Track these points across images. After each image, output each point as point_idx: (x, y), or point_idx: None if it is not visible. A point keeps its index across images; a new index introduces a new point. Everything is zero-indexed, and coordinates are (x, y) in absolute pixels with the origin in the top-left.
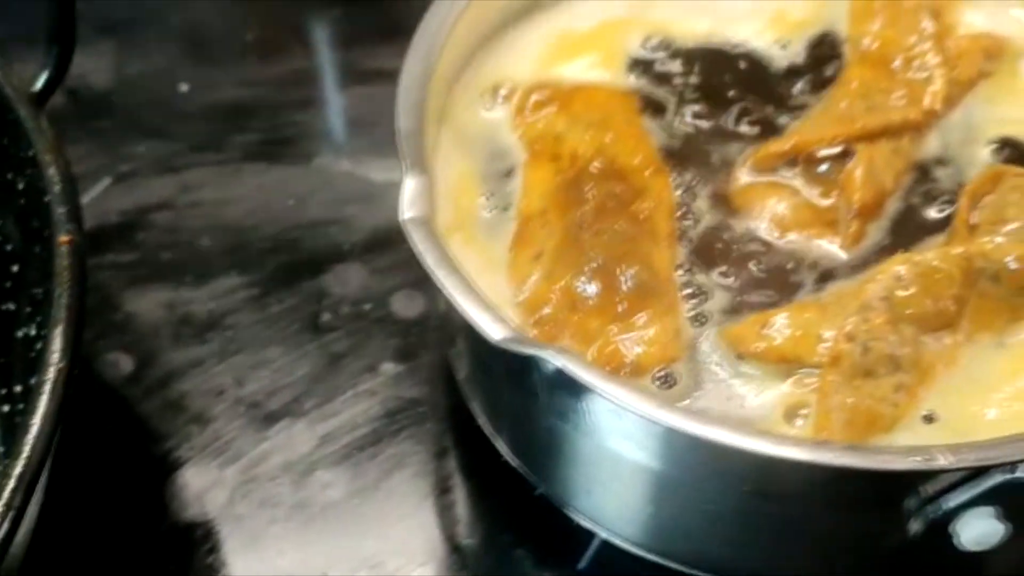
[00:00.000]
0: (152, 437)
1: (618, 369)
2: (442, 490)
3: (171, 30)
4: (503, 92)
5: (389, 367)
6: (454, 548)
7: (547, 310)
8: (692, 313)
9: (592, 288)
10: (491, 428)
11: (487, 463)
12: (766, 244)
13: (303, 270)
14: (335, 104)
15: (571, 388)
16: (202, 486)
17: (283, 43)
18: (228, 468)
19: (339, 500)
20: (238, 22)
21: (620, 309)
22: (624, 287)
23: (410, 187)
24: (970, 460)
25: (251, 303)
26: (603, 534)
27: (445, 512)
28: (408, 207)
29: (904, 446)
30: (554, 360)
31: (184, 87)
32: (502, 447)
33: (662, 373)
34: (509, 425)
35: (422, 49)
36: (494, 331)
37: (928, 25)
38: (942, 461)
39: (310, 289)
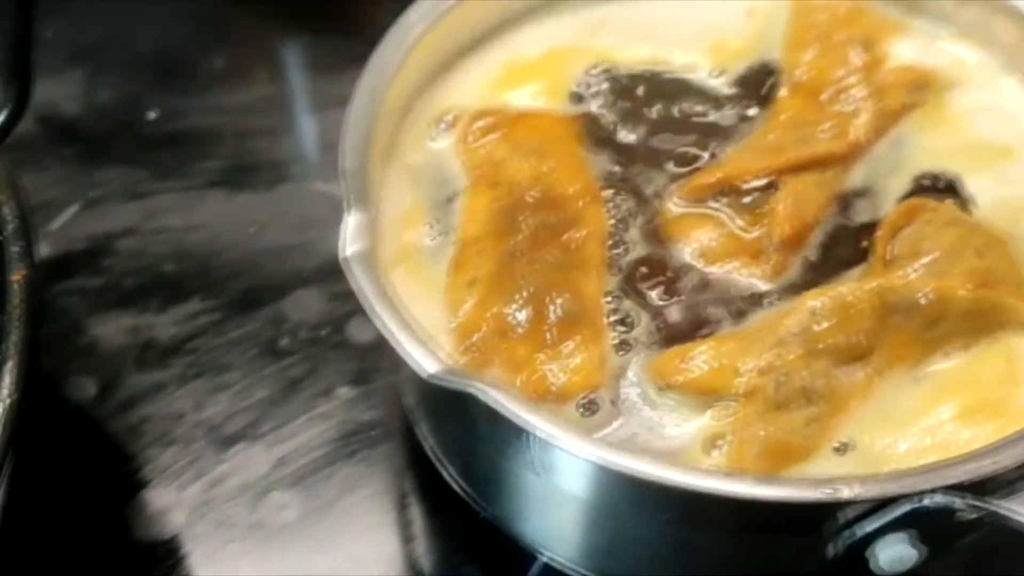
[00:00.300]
0: (115, 458)
1: (543, 396)
2: (395, 511)
3: (141, 57)
4: (448, 119)
5: (344, 391)
6: (407, 567)
7: (478, 337)
8: (618, 341)
9: (521, 316)
10: (438, 452)
11: (438, 484)
12: (694, 274)
13: (263, 295)
14: (300, 131)
15: (504, 421)
16: (162, 506)
17: (251, 70)
18: (187, 489)
19: (294, 521)
20: (208, 48)
21: (548, 337)
22: (552, 316)
23: (351, 224)
24: (874, 492)
25: (212, 328)
26: (545, 556)
27: (398, 532)
28: (348, 243)
29: (813, 478)
30: (483, 395)
31: (152, 114)
32: (447, 471)
33: (585, 400)
34: (453, 451)
35: (369, 86)
36: (426, 365)
37: (856, 57)
38: (846, 493)
39: (269, 314)
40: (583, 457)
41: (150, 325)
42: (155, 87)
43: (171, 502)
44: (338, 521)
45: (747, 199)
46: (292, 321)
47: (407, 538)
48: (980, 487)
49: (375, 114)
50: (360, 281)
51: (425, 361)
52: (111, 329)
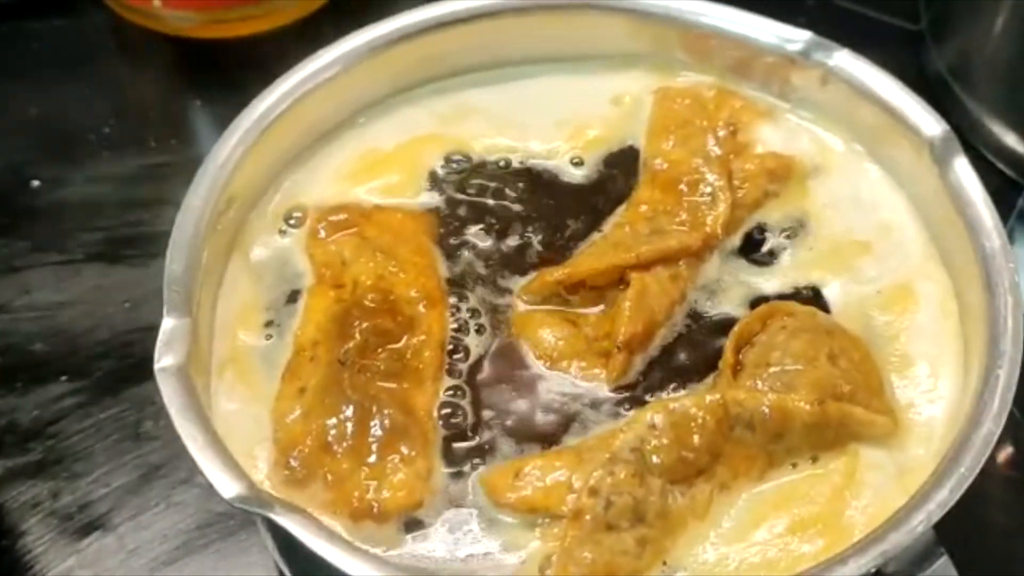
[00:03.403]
0: None
1: (365, 515)
2: None
3: (29, 122)
4: (298, 215)
5: (204, 479)
6: None
7: (300, 451)
8: (451, 454)
9: (346, 429)
10: (277, 555)
11: None
12: (536, 379)
13: (131, 376)
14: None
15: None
16: None
17: (140, 136)
18: None
19: None
20: (97, 114)
21: (372, 451)
22: (377, 429)
23: (165, 333)
24: None
25: (76, 411)
26: None
27: None
28: (161, 355)
29: None
30: (281, 521)
31: (36, 183)
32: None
33: (410, 519)
34: (286, 555)
35: (207, 179)
36: (226, 489)
37: (715, 145)
38: None
39: (135, 396)
40: None
41: (12, 407)
42: (41, 154)
43: None
44: None
45: (595, 296)
46: (158, 403)
47: None
48: None
49: (214, 208)
50: (168, 397)
51: (225, 485)
52: None
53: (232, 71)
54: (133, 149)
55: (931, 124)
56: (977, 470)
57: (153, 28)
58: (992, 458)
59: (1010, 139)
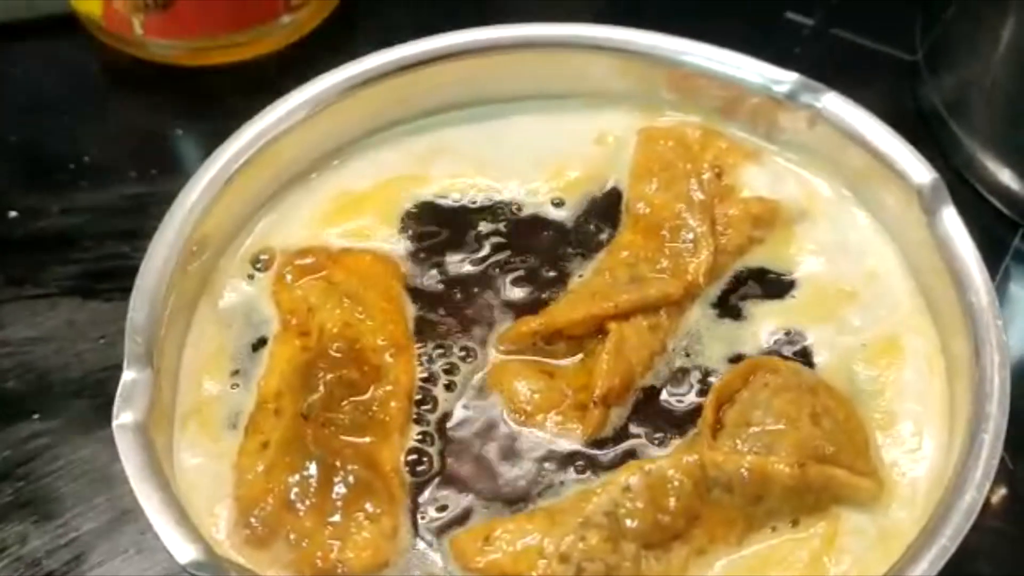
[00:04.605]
0: None
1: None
2: None
3: (6, 150)
4: (265, 258)
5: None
6: None
7: (263, 508)
8: (417, 512)
9: (308, 487)
10: None
11: None
12: (509, 432)
13: (103, 415)
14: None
15: None
16: None
17: (120, 167)
18: None
19: None
20: (76, 143)
21: (336, 509)
22: (341, 486)
23: (124, 387)
24: None
25: (46, 451)
26: None
27: None
28: (120, 410)
29: None
30: None
31: (13, 213)
32: None
33: None
34: None
35: (174, 226)
36: (181, 554)
37: (697, 190)
38: None
39: (107, 437)
40: None
41: None
42: (19, 183)
43: None
44: None
45: (573, 346)
46: None
47: None
48: None
49: (183, 253)
50: (125, 455)
51: (181, 549)
52: None
53: (215, 100)
54: (113, 179)
55: (920, 171)
56: (959, 541)
57: (135, 55)
58: (984, 506)
59: (1005, 176)
